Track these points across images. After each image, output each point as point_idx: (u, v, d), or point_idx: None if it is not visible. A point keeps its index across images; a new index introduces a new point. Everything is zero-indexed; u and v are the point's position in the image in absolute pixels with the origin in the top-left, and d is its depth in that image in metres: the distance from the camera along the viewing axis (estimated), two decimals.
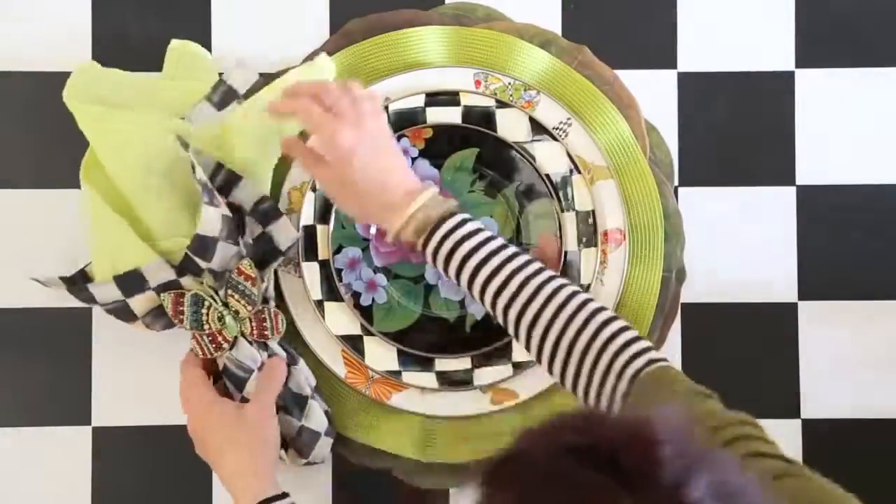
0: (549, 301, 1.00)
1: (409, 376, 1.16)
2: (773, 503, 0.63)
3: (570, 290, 1.01)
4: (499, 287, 1.01)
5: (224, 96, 1.16)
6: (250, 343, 1.12)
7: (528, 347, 1.02)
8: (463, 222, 1.03)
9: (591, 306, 1.00)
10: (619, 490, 0.58)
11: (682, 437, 0.61)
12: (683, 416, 0.63)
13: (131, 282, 1.10)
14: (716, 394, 0.93)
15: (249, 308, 1.11)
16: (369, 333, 1.17)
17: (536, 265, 1.02)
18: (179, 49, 1.17)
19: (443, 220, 1.03)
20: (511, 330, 1.03)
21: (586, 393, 0.98)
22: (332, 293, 1.17)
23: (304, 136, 1.12)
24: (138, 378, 1.19)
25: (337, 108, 1.03)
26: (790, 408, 1.20)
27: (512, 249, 1.03)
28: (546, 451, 0.61)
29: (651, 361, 0.95)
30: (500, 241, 1.03)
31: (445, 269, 1.04)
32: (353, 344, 1.16)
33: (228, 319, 1.11)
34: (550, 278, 1.01)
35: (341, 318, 1.17)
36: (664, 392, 0.92)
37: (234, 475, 1.08)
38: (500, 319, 1.03)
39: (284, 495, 1.07)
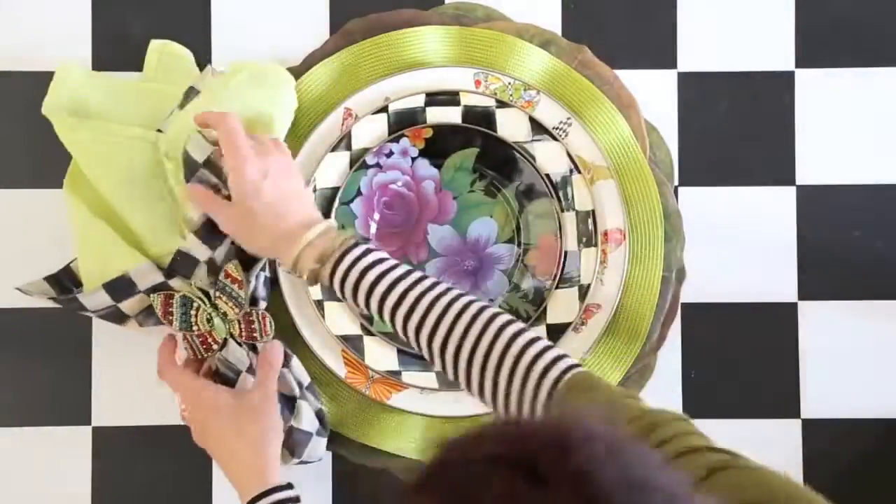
0: (459, 318, 0.97)
1: (409, 376, 1.16)
2: (698, 497, 0.62)
3: (478, 305, 0.98)
4: (407, 311, 0.99)
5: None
6: (239, 345, 1.12)
7: (444, 369, 0.99)
8: (367, 251, 1.01)
9: (500, 320, 0.97)
10: (536, 492, 0.59)
11: (592, 435, 0.61)
12: (599, 412, 0.63)
13: (120, 287, 1.10)
14: (638, 394, 0.92)
15: (237, 310, 1.11)
16: (369, 333, 1.17)
17: (443, 286, 1.00)
18: (159, 50, 1.17)
19: (348, 249, 1.01)
20: (425, 353, 1.00)
21: (507, 406, 0.96)
22: (331, 293, 1.17)
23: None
24: (138, 378, 1.19)
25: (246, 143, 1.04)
26: (790, 408, 1.21)
27: (417, 274, 1.01)
28: (466, 461, 0.62)
29: (568, 368, 0.94)
30: (404, 268, 1.01)
31: (354, 297, 1.01)
32: (353, 344, 1.16)
33: (217, 321, 1.11)
34: (457, 297, 0.99)
35: (341, 318, 1.17)
36: (585, 397, 0.91)
37: (239, 464, 1.08)
38: (413, 343, 1.01)
39: (289, 486, 1.07)
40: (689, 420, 0.88)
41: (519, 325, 0.97)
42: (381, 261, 1.01)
